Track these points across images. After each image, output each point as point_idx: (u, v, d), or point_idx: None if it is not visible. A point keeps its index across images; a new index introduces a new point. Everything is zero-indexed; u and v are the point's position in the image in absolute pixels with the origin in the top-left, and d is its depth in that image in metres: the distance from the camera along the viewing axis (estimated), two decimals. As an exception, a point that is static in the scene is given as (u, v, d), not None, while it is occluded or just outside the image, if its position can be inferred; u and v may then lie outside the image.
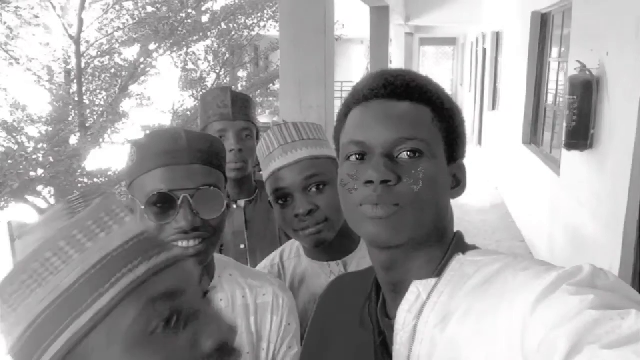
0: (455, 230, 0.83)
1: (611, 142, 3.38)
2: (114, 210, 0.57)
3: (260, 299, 1.13)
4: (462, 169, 0.83)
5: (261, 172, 1.36)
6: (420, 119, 0.77)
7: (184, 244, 1.02)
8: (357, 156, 0.77)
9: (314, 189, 1.22)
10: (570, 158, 4.19)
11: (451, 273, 0.74)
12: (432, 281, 0.75)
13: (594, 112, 3.61)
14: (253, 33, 9.31)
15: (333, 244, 1.25)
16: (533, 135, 6.37)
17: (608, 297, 0.57)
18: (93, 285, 0.52)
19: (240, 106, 1.78)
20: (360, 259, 1.30)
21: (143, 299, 0.53)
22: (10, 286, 0.53)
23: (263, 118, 10.11)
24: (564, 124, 3.78)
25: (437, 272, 0.76)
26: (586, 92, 3.60)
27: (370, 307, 0.87)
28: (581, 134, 3.68)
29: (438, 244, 0.78)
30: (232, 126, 1.74)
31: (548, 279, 0.61)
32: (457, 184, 0.82)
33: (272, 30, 8.97)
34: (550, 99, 5.89)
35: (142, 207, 1.01)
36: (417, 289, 0.75)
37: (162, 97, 8.88)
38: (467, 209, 6.91)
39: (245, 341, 1.11)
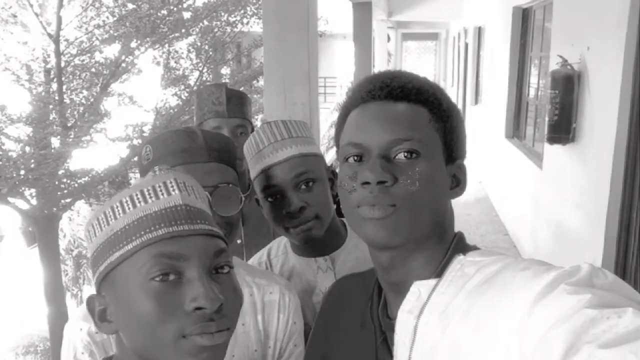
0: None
1: (592, 135, 3.42)
2: (165, 183, 0.76)
3: (267, 297, 1.15)
4: (462, 169, 0.83)
5: None
6: (417, 120, 0.77)
7: None
8: (355, 157, 0.78)
9: (303, 186, 1.24)
10: (553, 152, 4.24)
11: (452, 273, 0.75)
12: (432, 281, 0.75)
13: (575, 106, 3.65)
14: (236, 30, 9.24)
15: (321, 240, 1.27)
16: (515, 129, 6.43)
17: (606, 296, 0.57)
18: (127, 235, 0.72)
19: (235, 103, 1.79)
20: (347, 255, 1.31)
21: (152, 252, 0.70)
22: (96, 218, 0.77)
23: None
24: (546, 118, 3.82)
25: (438, 272, 0.77)
26: (568, 87, 3.64)
27: (371, 307, 0.88)
28: (563, 128, 3.73)
29: (438, 244, 0.79)
30: (226, 123, 1.75)
31: (546, 278, 0.62)
32: (457, 184, 0.82)
33: (255, 26, 8.92)
34: (532, 93, 5.94)
35: None
36: (418, 290, 0.76)
37: (145, 96, 8.79)
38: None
39: (253, 339, 1.12)
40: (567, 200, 3.95)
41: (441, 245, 0.79)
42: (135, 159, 7.01)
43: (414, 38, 22.98)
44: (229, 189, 1.06)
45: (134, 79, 8.79)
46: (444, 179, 0.79)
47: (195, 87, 8.71)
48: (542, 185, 4.74)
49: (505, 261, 0.71)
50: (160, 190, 0.75)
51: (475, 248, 0.81)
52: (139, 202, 0.74)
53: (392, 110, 0.78)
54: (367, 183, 0.74)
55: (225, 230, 1.05)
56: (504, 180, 6.64)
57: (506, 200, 6.50)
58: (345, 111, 0.84)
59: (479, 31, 9.77)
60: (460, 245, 0.81)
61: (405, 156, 0.75)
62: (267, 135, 1.28)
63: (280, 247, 1.40)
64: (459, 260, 0.76)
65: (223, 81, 9.69)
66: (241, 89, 10.01)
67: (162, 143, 1.08)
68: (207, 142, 1.08)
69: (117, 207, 0.75)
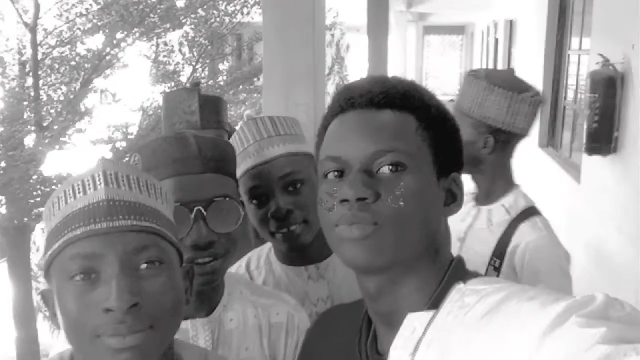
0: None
1: (637, 146, 3.39)
2: (93, 177, 0.81)
3: (273, 318, 1.17)
4: (458, 183, 0.83)
5: None
6: (401, 129, 0.78)
7: (200, 261, 1.05)
8: (335, 173, 0.78)
9: (291, 188, 1.26)
10: (592, 163, 4.20)
11: (450, 304, 0.74)
12: (428, 314, 0.75)
13: (617, 112, 3.63)
14: (235, 20, 9.30)
15: (310, 246, 1.29)
16: (550, 137, 6.40)
17: (623, 330, 0.57)
18: (57, 233, 0.79)
19: (210, 111, 1.76)
20: (339, 262, 1.32)
21: (71, 252, 0.77)
22: (44, 213, 0.85)
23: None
24: (585, 125, 3.80)
25: (433, 301, 0.77)
26: (609, 90, 3.62)
27: (360, 341, 0.87)
28: (603, 137, 3.70)
29: (430, 269, 0.79)
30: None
31: (556, 309, 0.61)
32: (453, 199, 0.82)
33: (257, 17, 8.97)
34: (570, 95, 5.91)
35: None
36: (412, 323, 0.75)
37: (130, 93, 8.85)
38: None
39: None
40: (608, 220, 3.91)
41: (435, 269, 0.79)
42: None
43: (437, 32, 22.97)
44: (225, 202, 1.07)
45: (118, 74, 8.85)
46: (435, 194, 0.79)
47: (187, 84, 8.75)
48: (579, 202, 4.70)
49: (509, 289, 0.71)
50: (88, 185, 0.81)
51: (476, 275, 0.80)
52: (70, 197, 0.81)
53: (374, 119, 0.78)
54: (346, 200, 0.74)
55: (222, 250, 1.07)
56: (536, 195, 6.55)
57: (539, 218, 6.44)
58: (325, 122, 0.84)
59: (511, 25, 9.76)
60: (458, 272, 0.80)
61: (389, 169, 0.76)
62: (252, 133, 1.31)
63: (261, 258, 1.42)
64: (459, 289, 0.76)
65: (220, 78, 9.73)
66: (240, 87, 10.06)
67: (152, 152, 1.09)
68: (201, 150, 1.09)
69: (55, 202, 0.83)
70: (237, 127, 1.84)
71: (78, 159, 8.16)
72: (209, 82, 9.40)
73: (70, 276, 0.76)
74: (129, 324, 0.74)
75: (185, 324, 1.08)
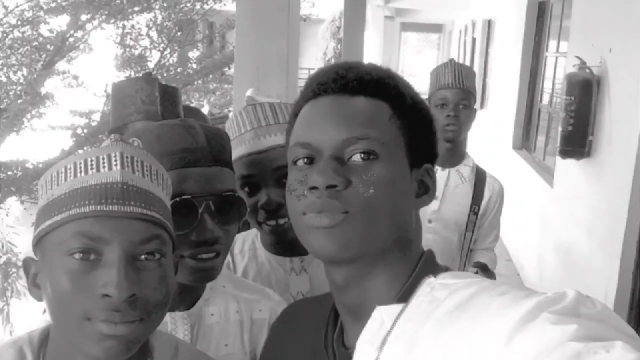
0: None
1: (611, 150, 3.46)
2: (109, 156, 0.81)
3: (255, 314, 1.16)
4: (431, 174, 0.84)
5: None
6: (375, 116, 0.78)
7: (204, 257, 1.03)
8: (305, 160, 0.78)
9: (284, 181, 1.25)
10: (565, 167, 4.28)
11: (420, 298, 0.74)
12: (397, 307, 0.75)
13: (593, 115, 3.69)
14: (207, 6, 9.22)
15: (296, 240, 1.28)
16: (525, 139, 6.50)
17: (593, 328, 0.58)
18: (60, 205, 0.79)
19: (171, 102, 1.72)
20: None
21: (75, 229, 0.76)
22: (45, 179, 0.84)
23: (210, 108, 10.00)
24: (559, 128, 3.86)
25: (402, 294, 0.77)
26: (585, 93, 3.68)
27: (326, 335, 0.87)
28: (578, 140, 3.77)
29: (400, 261, 0.79)
30: None
31: (527, 305, 0.62)
32: (425, 191, 0.83)
33: (230, 4, 8.90)
34: (546, 98, 6.01)
35: None
36: (381, 316, 0.75)
37: (95, 78, 8.71)
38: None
39: None
40: (580, 224, 3.98)
41: (405, 262, 0.80)
42: (81, 151, 6.86)
43: (415, 29, 23.17)
44: (234, 198, 1.06)
45: (83, 57, 8.70)
46: (408, 184, 0.79)
47: (155, 71, 8.64)
48: (551, 205, 4.79)
49: (480, 284, 0.71)
50: (103, 163, 0.80)
51: (446, 269, 0.81)
52: (80, 172, 0.80)
53: (347, 105, 0.78)
54: (315, 188, 0.74)
55: (224, 246, 1.07)
56: (508, 197, 6.66)
57: (510, 221, 6.54)
58: (297, 108, 0.84)
59: (489, 25, 9.88)
60: (429, 265, 0.80)
61: (361, 157, 0.75)
62: (250, 119, 1.30)
63: (246, 243, 1.41)
64: (429, 283, 0.75)
65: (189, 66, 9.64)
66: (210, 76, 9.98)
67: (156, 139, 1.05)
68: (210, 141, 1.06)
69: (61, 172, 0.82)
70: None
71: (36, 144, 8.01)
72: (178, 70, 9.30)
73: (69, 252, 0.76)
74: (123, 313, 0.74)
75: (165, 317, 1.08)
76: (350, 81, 0.79)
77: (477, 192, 2.26)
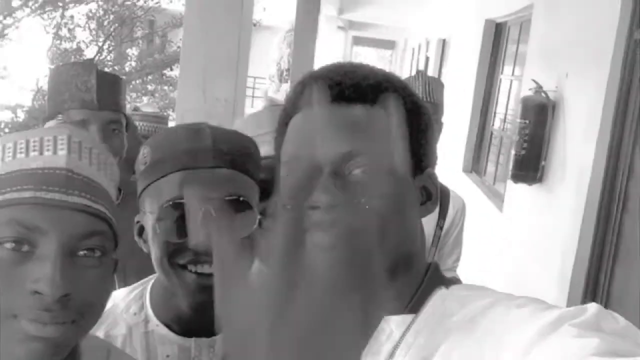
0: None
1: (564, 177, 3.56)
2: (55, 138, 0.77)
3: None
4: (433, 179, 0.83)
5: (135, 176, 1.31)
6: (374, 126, 0.77)
7: (199, 268, 0.99)
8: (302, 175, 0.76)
9: None
10: (516, 192, 4.38)
11: (431, 309, 0.75)
12: (407, 318, 0.75)
13: (547, 140, 3.80)
14: (150, 3, 9.11)
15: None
16: (475, 162, 6.64)
17: (616, 343, 0.58)
18: (3, 184, 0.74)
19: (109, 91, 1.66)
20: None
21: (10, 215, 0.72)
22: None
23: (147, 107, 9.81)
24: (512, 152, 3.95)
25: (412, 306, 0.77)
26: (540, 117, 3.79)
27: None
28: (531, 165, 3.86)
29: (408, 274, 0.79)
30: (96, 117, 1.63)
31: (547, 317, 0.62)
32: (428, 197, 0.82)
33: (175, 2, 8.81)
34: (498, 123, 6.16)
35: (155, 219, 0.98)
36: (389, 327, 0.75)
37: (23, 70, 8.45)
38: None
39: None
40: (528, 249, 4.07)
41: (411, 274, 0.79)
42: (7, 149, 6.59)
43: (367, 44, 23.50)
44: (239, 203, 1.02)
45: (11, 47, 8.42)
46: (412, 194, 0.79)
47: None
48: (501, 231, 4.88)
49: (495, 296, 0.71)
50: (47, 145, 0.77)
51: (456, 281, 0.81)
52: (20, 152, 0.77)
53: (345, 115, 0.76)
54: (317, 207, 0.72)
55: None
56: (456, 221, 6.80)
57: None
58: (286, 117, 0.82)
59: (443, 44, 10.11)
60: (437, 277, 0.81)
61: (362, 172, 0.74)
62: (270, 121, 1.28)
63: None
64: (441, 295, 0.76)
65: (127, 63, 9.46)
66: (149, 77, 9.81)
67: (163, 141, 1.06)
68: (216, 142, 1.04)
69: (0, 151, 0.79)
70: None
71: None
72: (115, 67, 9.11)
73: (0, 240, 0.72)
74: (55, 313, 0.70)
75: (189, 342, 1.03)
76: (347, 88, 0.77)
77: (442, 208, 2.38)
